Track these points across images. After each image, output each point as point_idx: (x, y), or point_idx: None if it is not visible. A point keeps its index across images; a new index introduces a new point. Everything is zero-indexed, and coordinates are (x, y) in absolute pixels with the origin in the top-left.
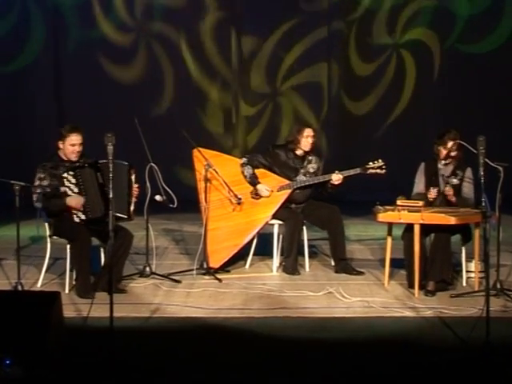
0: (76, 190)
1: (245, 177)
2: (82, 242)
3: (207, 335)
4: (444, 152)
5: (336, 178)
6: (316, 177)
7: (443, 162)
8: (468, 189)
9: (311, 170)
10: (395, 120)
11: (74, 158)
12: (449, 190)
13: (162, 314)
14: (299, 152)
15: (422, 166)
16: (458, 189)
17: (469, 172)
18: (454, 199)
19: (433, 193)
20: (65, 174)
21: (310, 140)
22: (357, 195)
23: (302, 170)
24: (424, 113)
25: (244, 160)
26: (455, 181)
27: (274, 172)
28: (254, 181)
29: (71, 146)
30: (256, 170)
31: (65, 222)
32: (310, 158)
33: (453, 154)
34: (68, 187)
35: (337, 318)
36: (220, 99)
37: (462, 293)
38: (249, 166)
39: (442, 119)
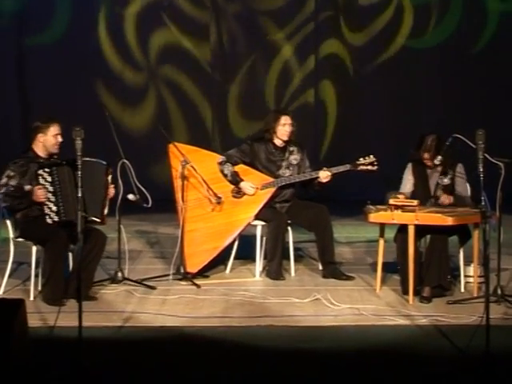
0: (51, 188)
1: (225, 176)
2: (58, 244)
3: (184, 346)
4: (425, 162)
5: (324, 175)
6: (302, 174)
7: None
8: (461, 187)
9: (294, 162)
10: (390, 113)
11: (56, 150)
12: (445, 199)
13: (134, 323)
14: (278, 142)
15: (410, 165)
16: (450, 188)
17: (460, 168)
18: (450, 201)
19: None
20: (40, 171)
21: (288, 128)
22: (347, 194)
23: (284, 163)
24: (420, 106)
25: (222, 158)
26: (446, 180)
27: (256, 168)
28: (235, 179)
29: (54, 136)
30: (236, 167)
31: (37, 224)
32: (291, 148)
33: (436, 161)
34: (43, 185)
35: (325, 326)
36: (199, 90)
37: (459, 299)
38: (228, 164)
39: (439, 114)
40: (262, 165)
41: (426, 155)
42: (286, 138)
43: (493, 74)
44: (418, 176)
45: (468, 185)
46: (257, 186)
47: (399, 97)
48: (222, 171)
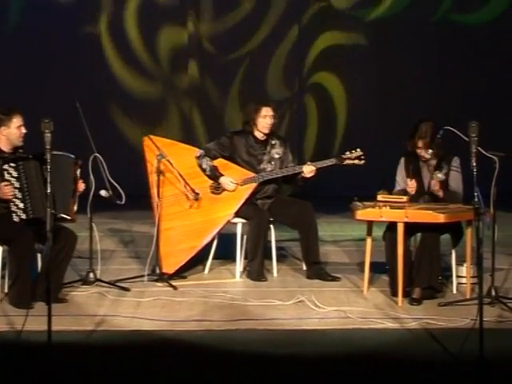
0: (17, 184)
1: (203, 170)
2: (23, 243)
3: (160, 351)
4: (419, 152)
5: (308, 169)
6: (285, 168)
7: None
8: (455, 182)
9: (276, 156)
10: (378, 105)
11: (20, 142)
12: (435, 185)
13: (107, 326)
14: (259, 135)
15: (402, 161)
16: (445, 184)
17: (456, 162)
18: (441, 193)
19: (411, 184)
20: (5, 166)
21: (269, 120)
22: (332, 189)
23: (266, 157)
24: (411, 97)
25: (200, 152)
26: (440, 176)
27: (236, 162)
28: (215, 173)
29: (18, 128)
30: (215, 161)
31: (2, 222)
32: (273, 142)
33: (426, 155)
34: (9, 181)
35: (309, 330)
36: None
37: (451, 301)
38: (207, 158)
39: (431, 104)
40: (243, 159)
41: (421, 143)
42: (267, 131)
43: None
44: (411, 171)
45: (461, 181)
46: (237, 182)
47: (388, 87)
48: (200, 165)
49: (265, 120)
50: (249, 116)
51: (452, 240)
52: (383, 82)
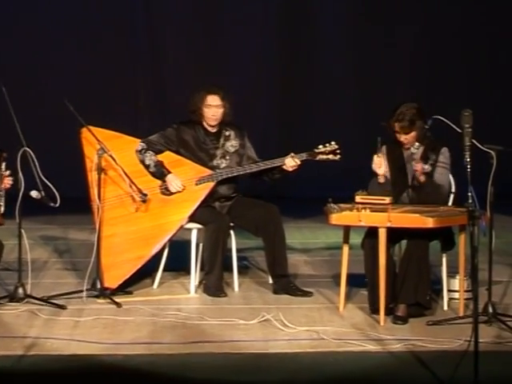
0: None
1: (147, 167)
2: None
3: (102, 379)
4: (398, 137)
5: (291, 163)
6: (256, 164)
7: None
8: (440, 173)
9: (231, 150)
10: (356, 94)
11: None
12: (416, 166)
13: (40, 350)
14: (210, 127)
15: (383, 149)
16: (430, 176)
17: (444, 154)
18: (422, 178)
19: (377, 161)
20: None
21: (215, 111)
22: (302, 190)
23: (219, 151)
24: (394, 84)
25: (141, 145)
26: (427, 167)
27: (184, 157)
28: (160, 170)
29: None
30: (163, 156)
31: None
32: (227, 133)
33: (404, 138)
34: None
35: (276, 354)
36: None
37: (442, 319)
38: (150, 152)
39: (421, 92)
40: (193, 154)
41: (398, 126)
42: (213, 123)
43: None
44: (393, 162)
45: (450, 175)
46: (184, 186)
47: (368, 76)
48: (142, 161)
49: (209, 110)
50: (195, 104)
51: (442, 248)
52: (363, 71)
